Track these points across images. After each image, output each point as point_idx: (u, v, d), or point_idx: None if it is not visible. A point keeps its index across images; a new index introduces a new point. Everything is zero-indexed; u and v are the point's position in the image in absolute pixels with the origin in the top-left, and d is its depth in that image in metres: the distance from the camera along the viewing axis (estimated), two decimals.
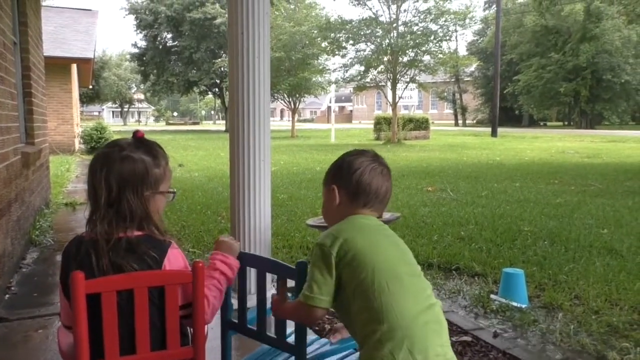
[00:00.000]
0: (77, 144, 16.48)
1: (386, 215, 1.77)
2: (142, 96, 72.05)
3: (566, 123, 45.54)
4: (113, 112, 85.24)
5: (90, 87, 34.20)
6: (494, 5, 34.19)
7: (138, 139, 1.52)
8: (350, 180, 1.54)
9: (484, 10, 49.69)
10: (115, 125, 48.03)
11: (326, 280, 1.42)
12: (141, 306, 1.39)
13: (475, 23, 28.17)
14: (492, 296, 3.39)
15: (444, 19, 21.12)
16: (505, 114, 42.00)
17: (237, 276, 1.73)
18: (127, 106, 75.47)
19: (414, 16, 21.59)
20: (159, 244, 1.46)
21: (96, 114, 72.53)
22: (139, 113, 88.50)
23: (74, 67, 16.34)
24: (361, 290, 1.38)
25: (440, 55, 22.08)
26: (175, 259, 1.46)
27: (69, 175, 10.16)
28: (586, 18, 34.60)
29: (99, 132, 15.57)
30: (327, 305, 1.42)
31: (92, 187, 1.46)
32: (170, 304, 1.42)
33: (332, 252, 1.42)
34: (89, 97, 52.72)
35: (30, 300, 3.43)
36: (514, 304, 3.23)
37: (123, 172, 1.44)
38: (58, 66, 14.17)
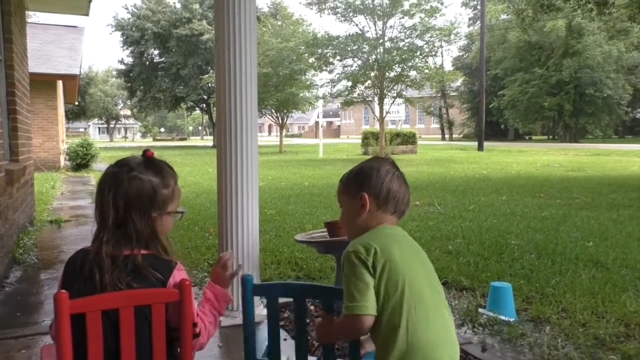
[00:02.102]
0: (63, 161, 16.33)
1: None
2: (128, 112, 71.83)
3: (551, 137, 46.14)
4: (99, 128, 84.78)
5: (76, 103, 34.04)
6: (478, 22, 34.73)
7: (147, 158, 1.50)
8: (381, 188, 1.55)
9: (469, 26, 50.48)
10: (101, 141, 47.70)
11: (368, 286, 1.40)
12: (127, 326, 1.37)
13: (460, 39, 28.64)
14: (480, 310, 3.39)
15: (429, 35, 21.40)
16: (491, 128, 42.47)
17: (268, 309, 1.68)
18: (113, 122, 75.12)
19: (400, 32, 21.86)
20: (165, 263, 1.45)
21: (82, 130, 72.15)
22: (126, 129, 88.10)
23: (60, 83, 16.25)
24: (389, 306, 1.40)
25: (427, 71, 22.33)
26: (180, 278, 1.44)
27: (54, 192, 10.05)
28: (568, 34, 35.25)
29: (84, 149, 15.46)
30: (374, 311, 1.39)
31: (99, 207, 1.45)
32: (156, 323, 1.40)
33: (368, 260, 1.41)
34: (75, 114, 52.49)
35: (13, 320, 3.37)
36: (502, 317, 3.24)
37: (130, 193, 1.43)
38: (43, 83, 14.08)
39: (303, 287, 1.73)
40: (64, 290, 1.31)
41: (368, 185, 1.56)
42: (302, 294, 1.65)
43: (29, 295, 3.90)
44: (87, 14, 7.72)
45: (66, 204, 8.58)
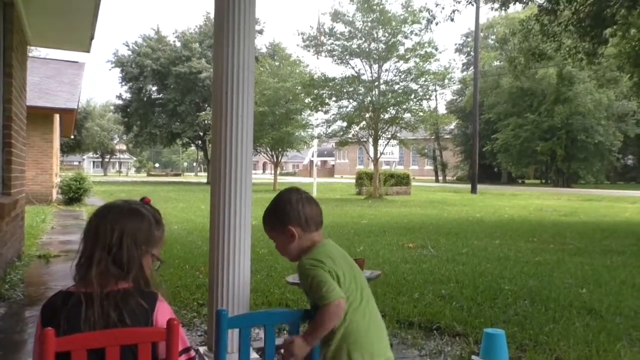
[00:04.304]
0: (55, 194, 16.24)
1: (366, 273, 1.91)
2: (124, 147, 72.02)
3: (543, 181, 46.51)
4: (94, 162, 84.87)
5: (72, 136, 34.09)
6: (472, 67, 35.52)
7: (145, 204, 1.66)
8: (299, 215, 1.86)
9: (462, 71, 51.47)
10: (95, 175, 47.62)
11: (331, 279, 1.71)
12: None
13: (454, 83, 29.12)
14: (474, 357, 3.33)
15: (423, 78, 21.81)
16: (484, 171, 42.81)
17: (241, 339, 1.74)
18: (108, 156, 75.19)
19: (395, 75, 22.29)
20: (148, 295, 1.48)
21: (76, 163, 72.09)
22: (120, 163, 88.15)
23: (57, 117, 16.33)
24: None
25: (421, 114, 22.63)
26: (164, 311, 1.48)
27: (44, 226, 9.95)
28: (559, 81, 36.04)
29: (78, 183, 15.39)
30: (344, 295, 1.71)
31: (94, 230, 1.51)
32: None
33: (324, 268, 1.74)
34: (70, 147, 52.54)
35: None
36: None
37: (129, 223, 1.53)
38: (40, 116, 14.14)
39: (272, 314, 2.03)
40: (49, 327, 1.30)
41: (289, 218, 1.86)
42: (273, 321, 1.87)
43: (13, 333, 3.81)
44: (88, 51, 7.82)
45: (56, 239, 8.48)
